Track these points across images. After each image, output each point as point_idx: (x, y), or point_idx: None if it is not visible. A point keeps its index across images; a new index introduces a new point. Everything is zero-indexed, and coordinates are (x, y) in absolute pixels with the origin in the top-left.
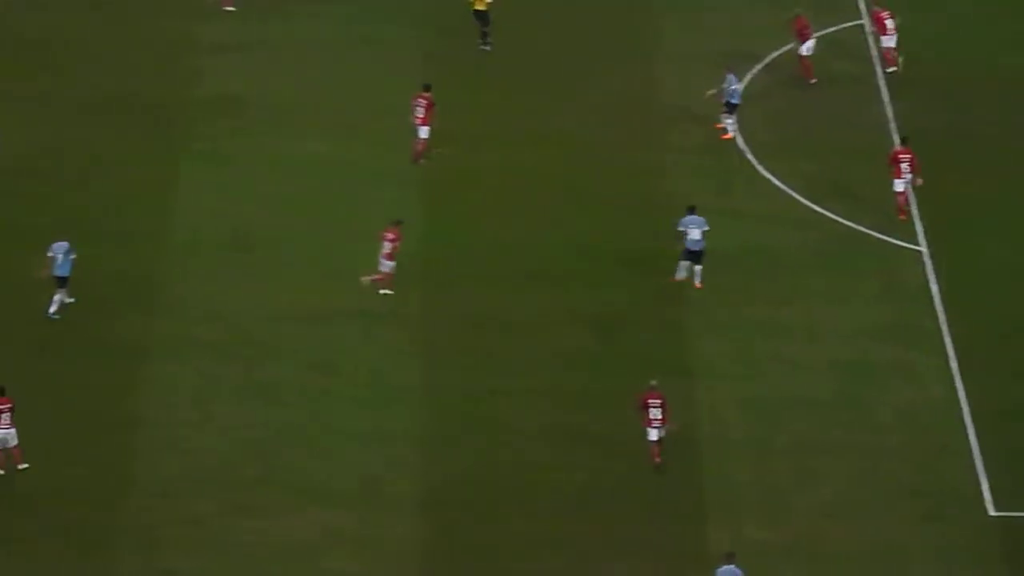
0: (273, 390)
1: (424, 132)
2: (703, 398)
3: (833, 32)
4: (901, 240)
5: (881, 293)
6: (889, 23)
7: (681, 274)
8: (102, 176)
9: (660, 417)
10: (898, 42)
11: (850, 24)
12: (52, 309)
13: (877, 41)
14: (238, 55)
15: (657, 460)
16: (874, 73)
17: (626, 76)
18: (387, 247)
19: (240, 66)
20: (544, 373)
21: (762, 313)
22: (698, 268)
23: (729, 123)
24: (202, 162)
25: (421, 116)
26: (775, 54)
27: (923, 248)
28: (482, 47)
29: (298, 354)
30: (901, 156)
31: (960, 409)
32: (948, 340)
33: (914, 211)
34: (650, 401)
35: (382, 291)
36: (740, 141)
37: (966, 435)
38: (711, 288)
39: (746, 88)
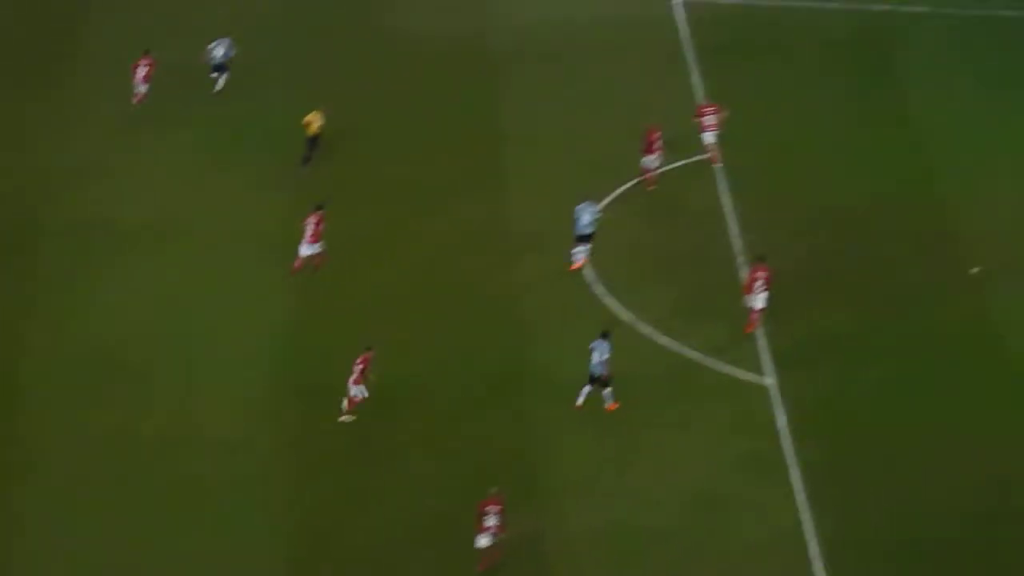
0: (133, 519)
1: (308, 249)
2: (552, 527)
3: (682, 165)
4: (749, 372)
5: (731, 424)
6: (710, 119)
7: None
8: None
9: (495, 525)
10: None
11: (700, 157)
12: None
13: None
14: (95, 180)
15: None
16: (720, 205)
17: (475, 206)
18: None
19: (96, 191)
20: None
21: (613, 443)
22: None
23: (580, 251)
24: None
25: (308, 235)
26: (626, 187)
27: (770, 380)
28: (303, 167)
29: (157, 480)
30: (757, 274)
31: (806, 541)
32: (795, 471)
33: (761, 342)
34: (487, 508)
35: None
36: (591, 272)
37: (811, 569)
38: (562, 416)
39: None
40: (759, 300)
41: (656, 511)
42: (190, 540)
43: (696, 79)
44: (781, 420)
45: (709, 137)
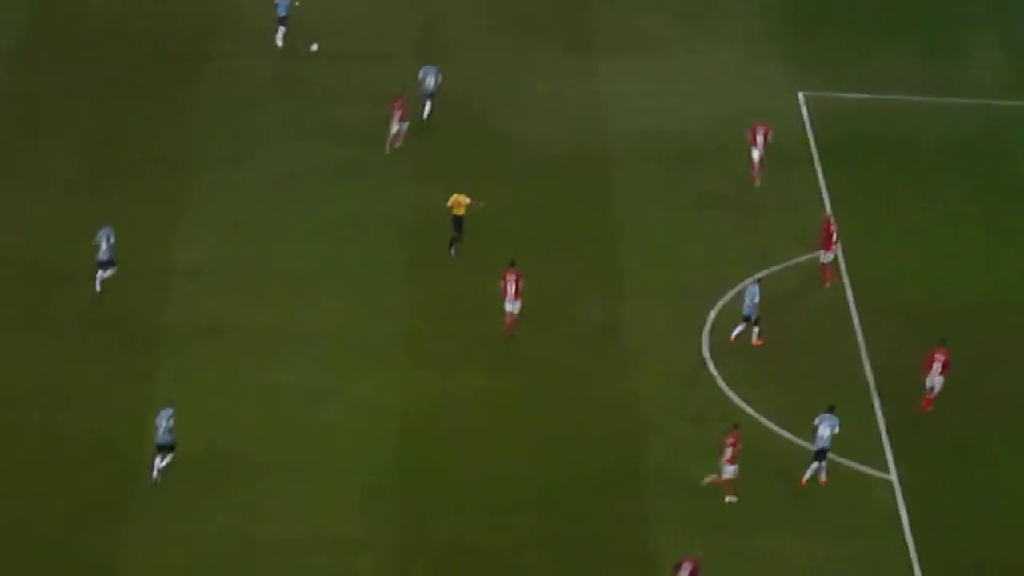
0: None
1: (513, 306)
2: None
3: (805, 260)
4: (871, 468)
5: (851, 522)
6: (760, 138)
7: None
8: (77, 400)
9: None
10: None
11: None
12: None
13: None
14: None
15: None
16: (847, 301)
17: (596, 309)
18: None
19: (214, 291)
20: None
21: (735, 544)
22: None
23: (755, 331)
24: (175, 387)
25: (512, 292)
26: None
27: (892, 476)
28: (450, 254)
29: None
30: (936, 356)
31: None
32: (918, 571)
33: (884, 439)
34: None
35: None
36: (712, 368)
37: None
38: (678, 516)
39: (717, 315)
40: (937, 382)
41: None
42: None
43: (819, 174)
44: (904, 516)
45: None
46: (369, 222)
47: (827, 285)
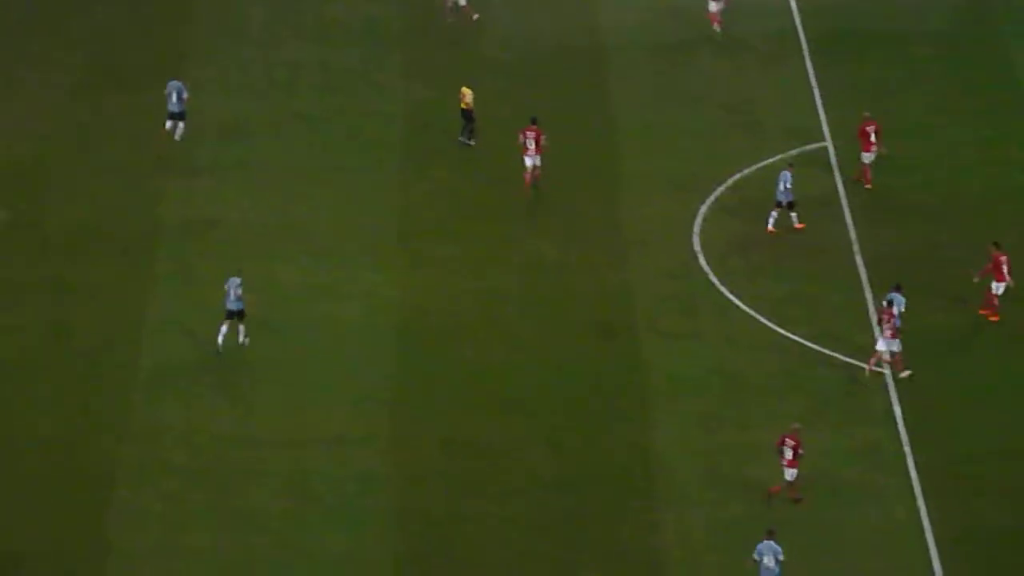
0: (246, 515)
1: (533, 160)
2: (672, 522)
3: (795, 155)
4: (865, 363)
5: (847, 416)
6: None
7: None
8: (76, 296)
9: (791, 458)
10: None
11: (815, 146)
12: None
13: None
14: (210, 179)
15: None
16: (838, 195)
17: (589, 199)
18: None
19: (211, 190)
20: (519, 500)
21: (730, 437)
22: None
23: (793, 216)
24: (172, 285)
25: (532, 147)
26: (737, 175)
27: (887, 371)
28: (465, 142)
29: (272, 479)
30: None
31: (924, 531)
32: (911, 463)
33: (875, 331)
34: (786, 441)
35: None
36: (703, 263)
37: (929, 558)
38: (678, 413)
39: (709, 209)
40: (1000, 287)
41: (776, 502)
42: (303, 536)
43: (810, 69)
44: (897, 410)
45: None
46: (361, 120)
47: (868, 185)
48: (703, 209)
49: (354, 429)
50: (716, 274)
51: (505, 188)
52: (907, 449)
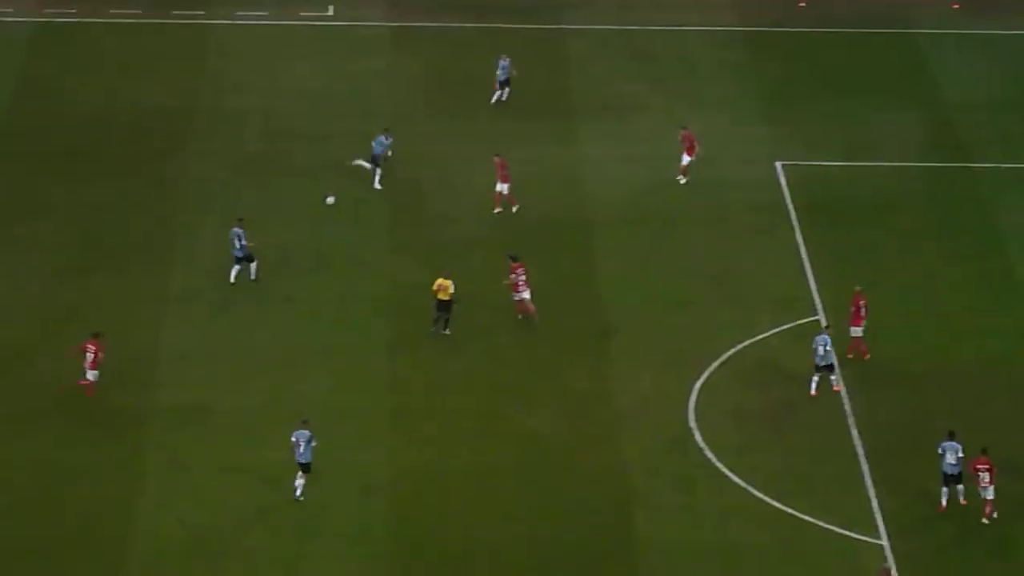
0: None
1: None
2: None
3: (791, 328)
4: (863, 535)
5: None
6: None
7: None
8: (69, 487)
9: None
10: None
11: (807, 320)
12: None
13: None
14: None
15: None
16: (832, 366)
17: (582, 377)
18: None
19: (201, 374)
20: None
21: None
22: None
23: (833, 379)
24: (161, 469)
25: (522, 283)
26: (732, 351)
27: (884, 542)
28: (442, 332)
29: None
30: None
31: None
32: None
33: (874, 504)
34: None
35: None
36: (699, 438)
37: None
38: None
39: (703, 385)
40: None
41: None
42: None
43: (799, 240)
44: None
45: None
46: (352, 299)
47: (866, 356)
48: (697, 384)
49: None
50: (712, 449)
51: (494, 364)
52: None
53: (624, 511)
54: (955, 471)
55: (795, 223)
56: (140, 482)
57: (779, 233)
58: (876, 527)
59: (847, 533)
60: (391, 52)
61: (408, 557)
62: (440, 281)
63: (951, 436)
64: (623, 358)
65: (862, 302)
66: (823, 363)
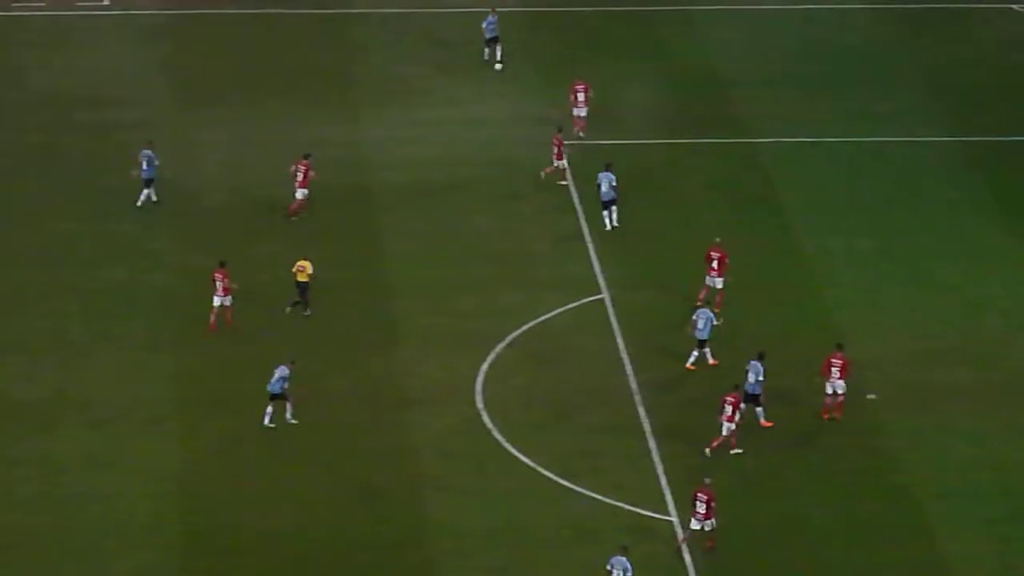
0: None
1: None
2: None
3: (575, 307)
4: (652, 511)
5: (637, 563)
6: (581, 96)
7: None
8: None
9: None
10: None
11: (591, 299)
12: None
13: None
14: None
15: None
16: (617, 347)
17: (370, 362)
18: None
19: None
20: None
21: None
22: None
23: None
24: None
25: (300, 179)
26: (517, 332)
27: (674, 518)
28: (303, 313)
29: None
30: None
31: None
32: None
33: (662, 480)
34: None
35: None
36: (487, 420)
37: None
38: (468, 569)
39: (490, 367)
40: (839, 386)
41: None
42: None
43: (582, 220)
44: (687, 557)
45: (581, 111)
46: (139, 288)
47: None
48: (484, 367)
49: None
50: (501, 431)
51: (282, 350)
52: None
53: (416, 496)
54: (754, 391)
55: (577, 203)
56: None
57: (563, 213)
58: (666, 503)
59: (637, 510)
60: (169, 40)
61: (200, 545)
62: (300, 262)
63: (760, 357)
64: (411, 342)
65: (716, 255)
66: (700, 338)
